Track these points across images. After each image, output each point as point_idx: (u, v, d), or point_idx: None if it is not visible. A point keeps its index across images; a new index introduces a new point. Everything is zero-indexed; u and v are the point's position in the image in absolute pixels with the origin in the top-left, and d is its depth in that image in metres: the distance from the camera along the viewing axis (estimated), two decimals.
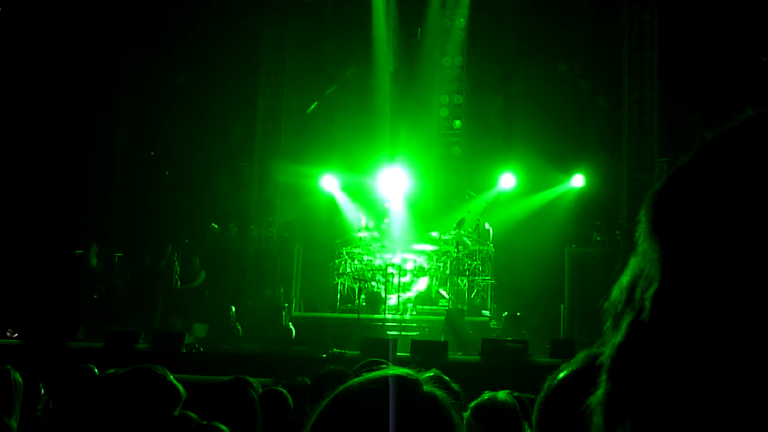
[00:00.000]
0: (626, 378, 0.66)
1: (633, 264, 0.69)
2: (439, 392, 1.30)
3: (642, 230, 0.67)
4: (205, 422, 2.72)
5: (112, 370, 2.79)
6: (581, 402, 1.32)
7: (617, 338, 0.68)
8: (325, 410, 1.28)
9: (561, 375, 1.42)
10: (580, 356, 1.42)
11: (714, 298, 0.59)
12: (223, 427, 2.62)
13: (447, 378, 3.50)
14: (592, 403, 0.71)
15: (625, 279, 0.70)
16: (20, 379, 3.33)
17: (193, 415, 2.86)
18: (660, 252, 0.64)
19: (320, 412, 1.28)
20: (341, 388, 1.30)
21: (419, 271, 14.09)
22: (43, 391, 4.37)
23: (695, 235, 0.61)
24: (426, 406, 1.25)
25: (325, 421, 1.26)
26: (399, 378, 1.28)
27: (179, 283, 14.54)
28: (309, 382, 4.42)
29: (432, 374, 3.42)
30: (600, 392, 0.70)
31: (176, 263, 14.69)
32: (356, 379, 1.30)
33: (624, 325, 0.67)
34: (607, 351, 0.70)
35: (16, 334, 12.10)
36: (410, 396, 1.25)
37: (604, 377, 0.69)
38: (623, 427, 0.65)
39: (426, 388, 1.29)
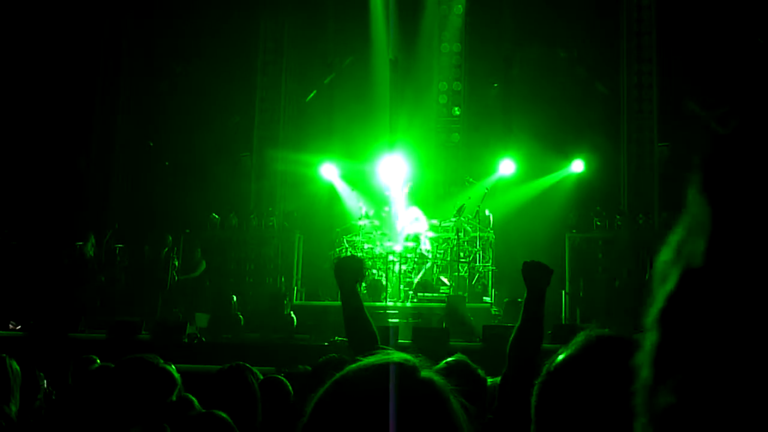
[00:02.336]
0: (676, 326, 0.70)
1: (682, 224, 0.75)
2: (436, 378, 1.29)
3: (692, 192, 0.73)
4: (204, 410, 2.72)
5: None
6: (581, 385, 1.31)
7: (667, 287, 0.73)
8: (322, 397, 1.27)
9: (559, 359, 1.40)
10: (578, 339, 1.41)
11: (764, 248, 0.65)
12: (223, 414, 2.63)
13: (474, 365, 3.51)
14: (639, 358, 0.75)
15: (674, 238, 0.76)
16: (17, 367, 3.34)
17: (192, 397, 2.86)
18: (710, 209, 0.70)
19: (317, 398, 1.28)
20: (338, 375, 1.29)
21: (421, 258, 14.06)
22: (45, 382, 4.38)
23: (743, 193, 0.68)
24: (422, 393, 1.24)
25: (322, 408, 1.26)
26: (395, 364, 1.27)
27: (176, 276, 14.53)
28: (310, 370, 4.42)
29: (456, 358, 3.44)
30: (648, 343, 0.73)
31: (174, 254, 14.70)
32: (353, 366, 1.30)
33: (673, 276, 0.73)
34: (657, 302, 0.75)
35: (19, 326, 12.12)
36: (406, 382, 1.24)
37: (652, 328, 0.73)
38: (673, 379, 0.68)
39: (423, 373, 1.28)
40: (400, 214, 14.59)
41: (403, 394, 1.22)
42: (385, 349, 1.33)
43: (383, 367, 1.26)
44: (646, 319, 0.75)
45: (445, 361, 3.45)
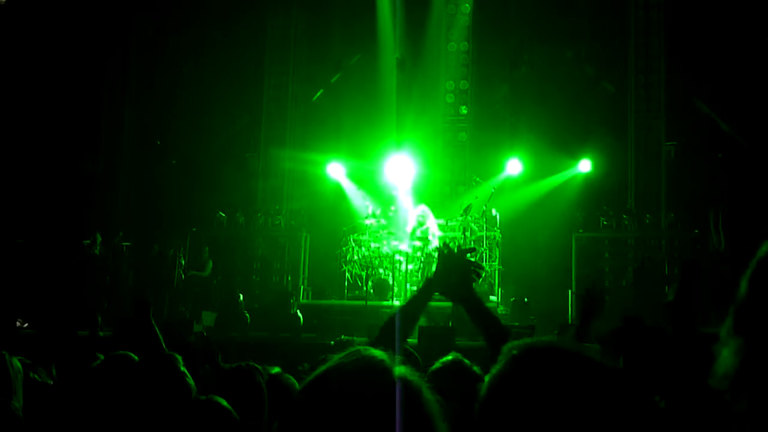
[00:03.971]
0: (763, 285, 0.88)
1: None
2: (410, 374, 1.30)
3: None
4: (203, 397, 2.75)
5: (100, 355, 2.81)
6: (515, 401, 1.28)
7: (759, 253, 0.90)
8: (300, 395, 1.30)
9: (489, 376, 1.37)
10: (506, 348, 1.38)
11: None
12: (223, 401, 2.66)
13: (467, 361, 3.52)
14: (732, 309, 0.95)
15: None
16: (18, 364, 3.37)
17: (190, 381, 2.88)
18: None
19: (295, 397, 1.30)
20: (315, 373, 1.31)
21: (428, 258, 14.06)
22: (47, 379, 4.43)
23: None
24: (396, 388, 1.25)
25: (300, 406, 1.28)
26: (370, 361, 1.29)
27: (182, 275, 14.58)
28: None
29: (451, 358, 3.42)
30: (740, 295, 0.92)
31: (181, 253, 14.74)
32: (328, 363, 1.31)
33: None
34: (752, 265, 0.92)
35: (26, 324, 12.18)
36: (380, 379, 1.26)
37: (744, 284, 0.92)
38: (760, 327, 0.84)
39: (398, 370, 1.29)
40: (409, 213, 14.59)
41: (378, 390, 1.24)
42: (358, 346, 1.34)
43: (358, 365, 1.28)
44: (741, 284, 0.92)
45: (440, 360, 3.46)
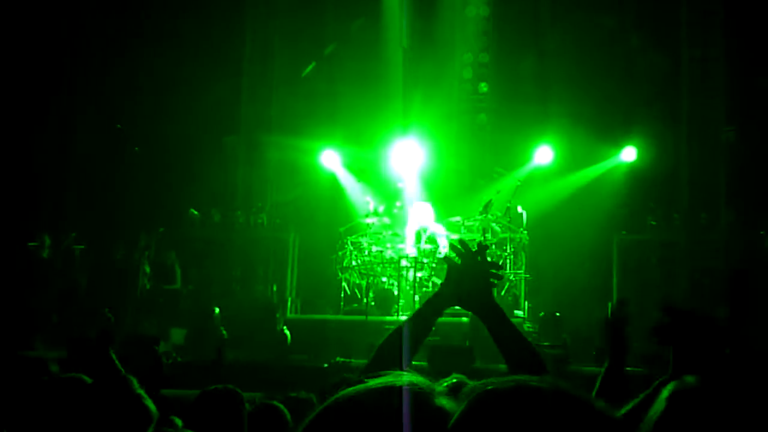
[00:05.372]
0: None
1: None
2: (451, 406, 1.28)
3: None
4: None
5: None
6: None
7: None
8: (318, 418, 1.28)
9: (455, 417, 1.34)
10: (466, 390, 1.34)
11: None
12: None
13: (472, 383, 3.48)
14: None
15: None
16: None
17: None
18: None
19: (312, 419, 1.28)
20: (337, 395, 1.30)
21: (440, 263, 14.04)
22: None
23: None
24: (436, 423, 1.24)
25: (318, 429, 1.26)
26: (406, 388, 1.28)
27: (147, 284, 14.57)
28: (314, 398, 4.42)
29: (455, 380, 3.39)
30: None
31: (145, 258, 14.73)
32: (357, 387, 1.30)
33: None
34: None
35: None
36: (416, 408, 1.25)
37: None
38: None
39: (438, 401, 1.29)
40: (409, 213, 14.49)
41: (414, 424, 1.22)
42: (391, 372, 1.33)
43: (392, 391, 1.27)
44: None
45: (442, 383, 3.41)
